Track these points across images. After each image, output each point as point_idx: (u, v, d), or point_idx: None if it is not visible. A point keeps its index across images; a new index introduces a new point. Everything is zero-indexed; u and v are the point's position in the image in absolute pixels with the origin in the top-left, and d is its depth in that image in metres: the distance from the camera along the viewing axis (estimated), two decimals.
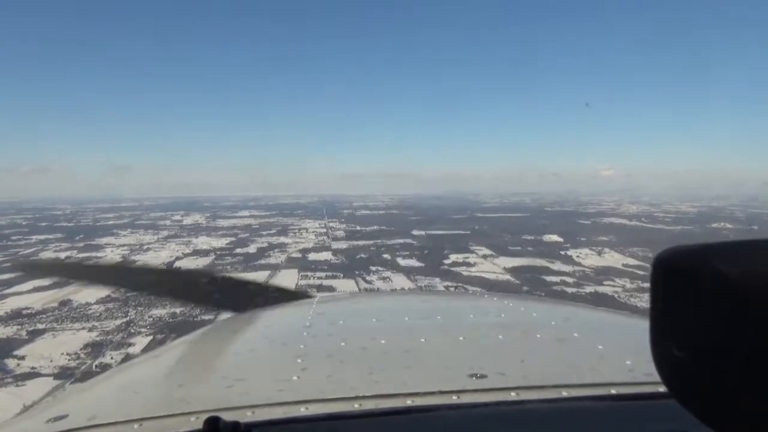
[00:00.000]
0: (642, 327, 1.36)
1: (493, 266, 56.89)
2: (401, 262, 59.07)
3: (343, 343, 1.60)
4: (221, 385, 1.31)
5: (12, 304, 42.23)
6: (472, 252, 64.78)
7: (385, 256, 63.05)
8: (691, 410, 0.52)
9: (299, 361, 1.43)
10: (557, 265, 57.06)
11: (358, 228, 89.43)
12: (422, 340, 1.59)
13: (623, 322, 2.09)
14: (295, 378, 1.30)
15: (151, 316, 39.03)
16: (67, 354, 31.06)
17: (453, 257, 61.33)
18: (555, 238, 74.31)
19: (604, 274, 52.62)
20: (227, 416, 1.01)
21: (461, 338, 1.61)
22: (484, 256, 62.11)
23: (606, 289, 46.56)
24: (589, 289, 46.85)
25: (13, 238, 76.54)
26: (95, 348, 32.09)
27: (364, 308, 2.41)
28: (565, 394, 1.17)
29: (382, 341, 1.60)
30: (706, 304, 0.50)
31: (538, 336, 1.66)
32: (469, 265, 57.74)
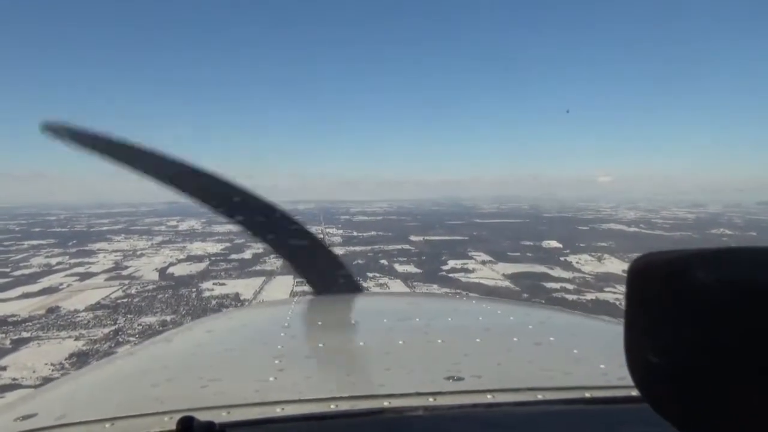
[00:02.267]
0: (617, 332, 1.42)
1: (492, 272, 56.12)
2: (399, 268, 58.30)
3: (321, 344, 1.62)
4: (196, 384, 1.30)
5: None
6: (470, 258, 64.05)
7: (383, 262, 62.26)
8: (664, 416, 0.53)
9: (276, 361, 1.43)
10: (557, 272, 56.43)
11: (355, 234, 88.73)
12: (400, 342, 1.60)
13: (598, 326, 2.11)
14: (271, 378, 1.31)
15: (140, 324, 38.16)
16: (51, 364, 30.08)
17: (451, 263, 60.61)
18: (554, 243, 73.74)
19: (605, 280, 51.83)
20: (202, 416, 1.01)
21: (439, 340, 1.62)
22: (483, 262, 61.37)
23: (607, 296, 45.71)
24: (589, 296, 46.09)
25: (5, 243, 75.62)
26: (81, 358, 31.03)
27: (343, 309, 2.38)
28: (540, 397, 1.20)
29: (360, 342, 1.63)
30: (681, 311, 0.50)
31: (515, 339, 1.68)
32: (467, 271, 57.00)
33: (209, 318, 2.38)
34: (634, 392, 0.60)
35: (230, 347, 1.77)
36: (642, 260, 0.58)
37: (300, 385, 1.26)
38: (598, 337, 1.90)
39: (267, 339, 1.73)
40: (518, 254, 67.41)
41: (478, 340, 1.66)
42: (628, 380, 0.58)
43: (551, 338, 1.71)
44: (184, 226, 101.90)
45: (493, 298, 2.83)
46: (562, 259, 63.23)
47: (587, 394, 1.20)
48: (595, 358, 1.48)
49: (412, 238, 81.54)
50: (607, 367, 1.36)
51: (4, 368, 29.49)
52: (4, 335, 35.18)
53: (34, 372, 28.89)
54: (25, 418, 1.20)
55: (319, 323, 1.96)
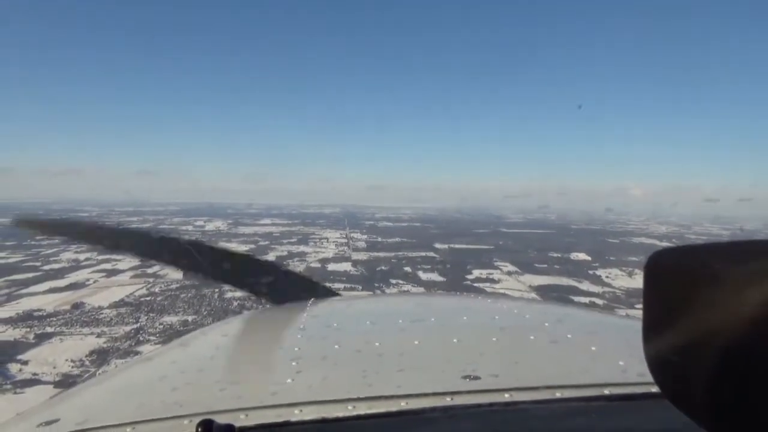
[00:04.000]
0: (635, 328, 1.41)
1: (518, 283, 54.69)
2: (422, 275, 57.39)
3: (337, 346, 1.60)
4: (215, 387, 1.32)
5: (25, 305, 41.90)
6: (496, 268, 62.67)
7: (406, 268, 61.43)
8: (684, 411, 0.52)
9: (293, 363, 1.44)
10: (586, 285, 54.69)
11: (380, 239, 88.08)
12: (416, 342, 1.60)
13: (616, 322, 2.11)
14: (289, 380, 1.32)
15: (161, 323, 38.18)
16: (72, 360, 30.18)
17: (476, 272, 59.38)
18: (582, 256, 71.70)
19: (636, 296, 49.64)
20: (221, 419, 1.03)
21: (455, 340, 1.61)
22: (509, 273, 59.94)
23: (639, 312, 43.36)
24: (620, 312, 43.77)
25: (38, 237, 76.94)
26: (101, 355, 31.15)
27: (358, 310, 2.39)
28: (558, 395, 1.19)
29: (376, 343, 1.60)
30: (699, 305, 0.50)
31: (531, 337, 1.66)
32: (493, 281, 55.68)
33: (226, 321, 2.38)
34: (654, 388, 0.59)
35: (247, 350, 1.78)
36: (659, 254, 0.57)
37: (317, 387, 1.26)
38: (616, 334, 1.86)
39: (283, 341, 1.74)
40: (545, 266, 65.72)
41: (494, 338, 1.65)
42: (648, 376, 0.57)
43: (568, 335, 1.69)
44: (210, 226, 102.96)
45: (508, 297, 2.72)
46: (590, 272, 61.38)
47: (606, 391, 1.19)
48: (614, 354, 1.47)
49: (437, 245, 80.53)
50: (626, 363, 1.35)
51: (25, 363, 29.71)
52: (28, 329, 35.61)
53: (54, 368, 29.00)
54: (48, 423, 1.23)
55: (335, 325, 1.92)
